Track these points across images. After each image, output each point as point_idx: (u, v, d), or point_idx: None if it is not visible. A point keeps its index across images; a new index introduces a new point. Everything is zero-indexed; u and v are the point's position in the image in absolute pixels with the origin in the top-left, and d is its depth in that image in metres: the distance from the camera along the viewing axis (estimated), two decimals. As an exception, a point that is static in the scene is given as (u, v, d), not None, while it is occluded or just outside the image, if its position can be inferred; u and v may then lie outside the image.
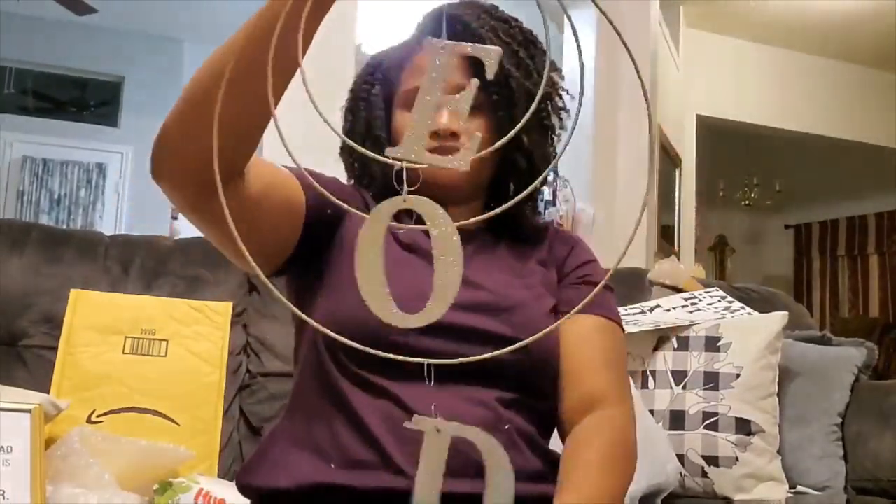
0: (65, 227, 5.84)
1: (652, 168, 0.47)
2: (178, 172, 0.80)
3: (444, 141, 0.92)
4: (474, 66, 0.94)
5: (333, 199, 0.48)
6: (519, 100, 0.95)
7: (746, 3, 4.96)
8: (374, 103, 1.00)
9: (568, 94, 1.04)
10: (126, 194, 6.26)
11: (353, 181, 1.05)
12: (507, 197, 1.03)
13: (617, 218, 3.59)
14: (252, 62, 0.64)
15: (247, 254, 0.43)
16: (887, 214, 7.29)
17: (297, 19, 0.55)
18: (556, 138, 1.04)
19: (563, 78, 1.04)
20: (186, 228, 7.23)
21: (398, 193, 0.99)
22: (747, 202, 7.58)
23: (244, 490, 0.91)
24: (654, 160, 0.49)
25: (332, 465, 0.84)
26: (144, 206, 6.26)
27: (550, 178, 4.03)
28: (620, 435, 0.91)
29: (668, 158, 4.51)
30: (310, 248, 0.92)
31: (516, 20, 1.01)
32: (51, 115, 6.33)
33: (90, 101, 6.52)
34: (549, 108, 1.02)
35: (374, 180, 1.01)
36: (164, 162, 0.80)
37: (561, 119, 1.03)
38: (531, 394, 0.92)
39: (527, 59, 0.97)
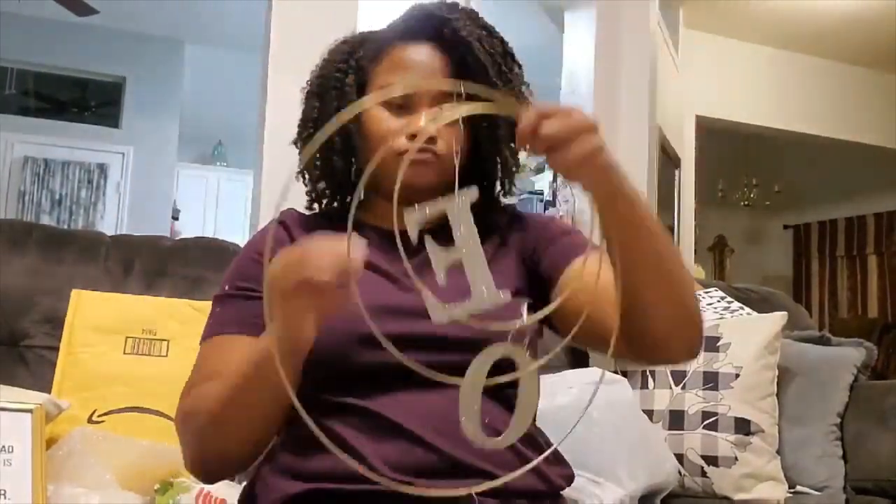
0: (66, 227, 5.85)
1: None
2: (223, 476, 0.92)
3: (421, 143, 0.93)
4: (459, 73, 0.95)
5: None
6: (501, 119, 0.97)
7: (746, 5, 4.96)
8: (346, 93, 0.98)
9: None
10: (127, 195, 6.27)
11: (304, 176, 1.03)
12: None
13: (617, 218, 3.58)
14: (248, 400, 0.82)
15: None
16: (886, 215, 7.29)
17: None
18: (526, 156, 1.06)
19: (533, 94, 1.03)
20: (187, 229, 7.18)
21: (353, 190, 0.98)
22: (746, 202, 7.59)
23: None
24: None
25: (320, 482, 0.85)
26: (145, 206, 6.28)
27: (549, 179, 4.01)
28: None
29: (667, 159, 4.51)
30: None
31: (494, 29, 1.01)
32: (52, 115, 6.34)
33: (91, 101, 6.52)
34: None
35: (334, 175, 1.00)
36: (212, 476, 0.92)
37: None
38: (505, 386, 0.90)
39: (508, 72, 0.98)
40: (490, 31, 0.98)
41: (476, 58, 0.94)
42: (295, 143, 1.05)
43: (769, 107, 5.55)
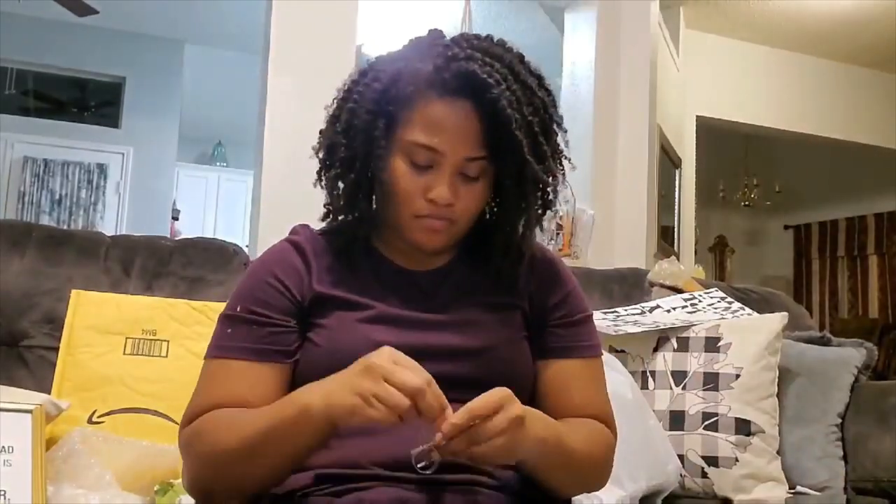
0: (66, 227, 5.85)
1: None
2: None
3: (438, 209, 0.91)
4: (489, 136, 0.90)
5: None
6: (530, 190, 0.93)
7: (746, 4, 4.96)
8: (376, 138, 0.91)
9: (569, 161, 0.99)
10: (127, 195, 6.26)
11: (330, 212, 1.01)
12: (486, 241, 1.01)
13: (616, 218, 3.59)
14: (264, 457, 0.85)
15: None
16: (887, 215, 7.29)
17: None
18: (555, 213, 1.04)
19: (567, 144, 0.98)
20: (187, 229, 7.17)
21: (372, 225, 1.00)
22: (747, 203, 7.59)
23: None
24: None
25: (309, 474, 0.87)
26: (145, 206, 6.28)
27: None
28: (607, 442, 0.98)
29: (667, 159, 4.51)
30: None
31: (540, 79, 0.94)
32: (52, 115, 6.34)
33: (91, 101, 6.52)
34: (552, 193, 0.97)
35: (358, 213, 0.97)
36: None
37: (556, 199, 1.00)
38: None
39: (545, 144, 0.92)
40: (532, 91, 0.91)
41: (512, 135, 0.88)
42: (319, 178, 1.00)
43: (769, 107, 5.55)
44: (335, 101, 0.98)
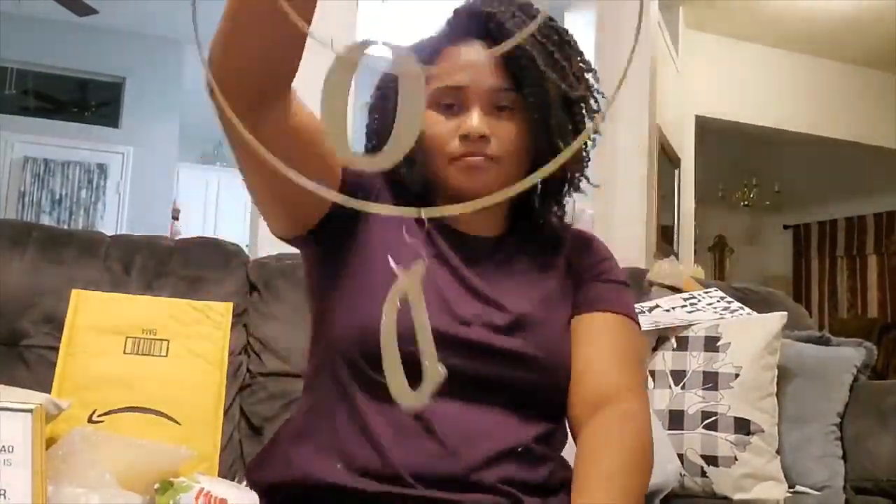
0: (66, 227, 5.85)
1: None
2: (232, 75, 0.74)
3: (473, 145, 0.90)
4: (509, 67, 0.91)
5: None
6: (554, 102, 0.91)
7: (746, 5, 4.96)
8: None
9: (603, 96, 0.99)
10: (127, 195, 6.27)
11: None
12: (531, 202, 1.00)
13: (616, 218, 3.59)
14: None
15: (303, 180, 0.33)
16: (886, 215, 7.29)
17: None
18: (591, 142, 1.02)
19: (598, 80, 0.99)
20: (187, 229, 7.16)
21: (420, 197, 0.96)
22: (746, 202, 7.59)
23: (253, 485, 0.93)
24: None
25: (339, 466, 0.85)
26: (145, 206, 6.28)
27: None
28: (637, 438, 0.87)
29: (667, 159, 4.51)
30: (334, 230, 0.90)
31: (551, 18, 0.96)
32: (52, 115, 6.34)
33: (91, 101, 6.52)
34: (585, 111, 0.96)
35: (398, 183, 0.96)
36: (219, 69, 0.74)
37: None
38: (543, 408, 0.91)
39: (562, 60, 0.93)
40: (543, 23, 0.93)
41: (524, 50, 0.90)
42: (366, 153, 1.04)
43: (769, 107, 5.55)
44: (370, 95, 1.01)
